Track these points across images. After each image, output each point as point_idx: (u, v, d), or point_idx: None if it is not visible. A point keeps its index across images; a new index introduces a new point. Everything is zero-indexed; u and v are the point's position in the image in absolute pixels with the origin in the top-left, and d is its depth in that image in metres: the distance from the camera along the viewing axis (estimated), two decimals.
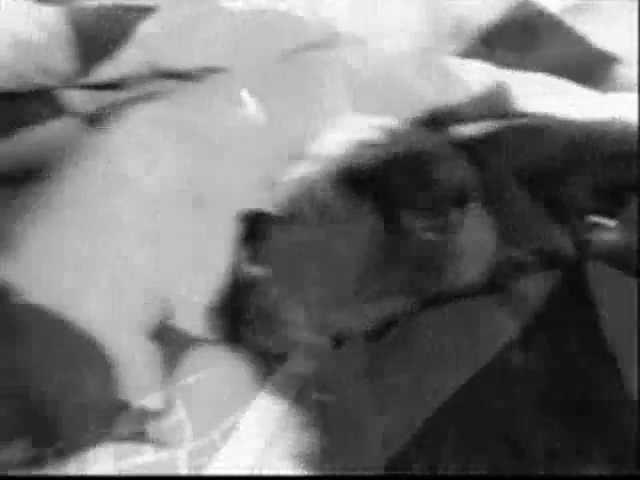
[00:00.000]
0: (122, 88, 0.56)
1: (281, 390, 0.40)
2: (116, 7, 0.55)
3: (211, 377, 0.39)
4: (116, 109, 0.50)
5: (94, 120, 0.53)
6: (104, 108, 0.52)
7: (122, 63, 0.54)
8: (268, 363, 0.41)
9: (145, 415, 0.35)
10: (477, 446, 0.38)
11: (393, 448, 0.38)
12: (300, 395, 0.40)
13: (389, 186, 0.42)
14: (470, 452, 0.38)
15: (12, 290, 0.33)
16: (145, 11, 0.54)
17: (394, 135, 0.46)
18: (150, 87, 0.56)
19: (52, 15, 0.54)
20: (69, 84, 0.54)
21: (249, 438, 0.39)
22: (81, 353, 0.33)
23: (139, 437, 0.34)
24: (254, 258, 0.42)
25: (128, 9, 0.55)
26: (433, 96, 0.46)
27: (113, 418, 0.33)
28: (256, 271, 0.42)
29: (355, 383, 0.39)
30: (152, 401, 0.35)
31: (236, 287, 0.41)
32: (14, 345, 0.33)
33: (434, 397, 0.39)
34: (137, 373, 0.35)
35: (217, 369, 0.40)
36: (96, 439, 0.32)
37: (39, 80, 0.53)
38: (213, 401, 0.39)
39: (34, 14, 0.54)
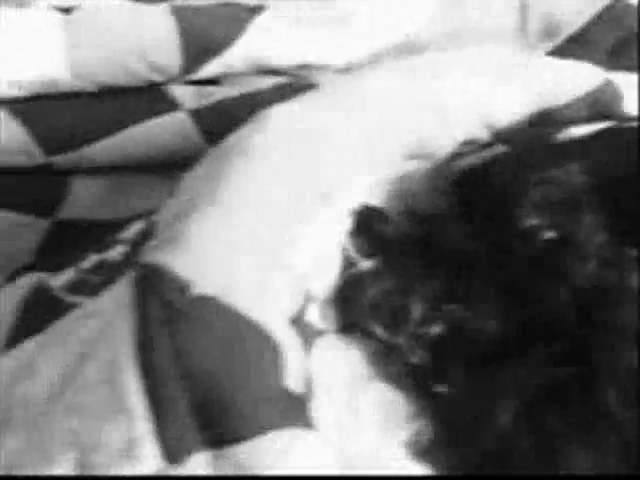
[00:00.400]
0: (220, 83, 0.58)
1: (396, 380, 0.41)
2: (224, 5, 0.57)
3: (328, 366, 0.40)
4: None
5: (200, 113, 0.55)
6: (216, 104, 0.54)
7: (230, 61, 0.56)
8: (383, 353, 0.42)
9: (302, 401, 0.36)
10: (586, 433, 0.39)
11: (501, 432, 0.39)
12: (415, 385, 0.41)
13: (501, 184, 0.43)
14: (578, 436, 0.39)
15: (187, 283, 0.35)
16: (255, 10, 0.56)
17: (501, 134, 0.47)
18: (252, 83, 0.58)
19: (160, 12, 0.56)
20: (175, 80, 0.56)
21: (363, 425, 0.40)
22: (250, 340, 0.35)
23: (302, 423, 0.35)
24: (363, 251, 0.43)
25: (237, 8, 0.56)
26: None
27: (282, 405, 0.35)
28: (366, 264, 0.43)
29: (469, 374, 0.40)
30: (299, 387, 0.36)
31: (349, 280, 0.42)
32: (192, 336, 0.34)
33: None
34: (293, 360, 0.36)
35: (333, 359, 0.41)
36: (269, 426, 0.34)
37: (147, 76, 0.55)
38: (328, 390, 0.40)
39: (142, 11, 0.56)
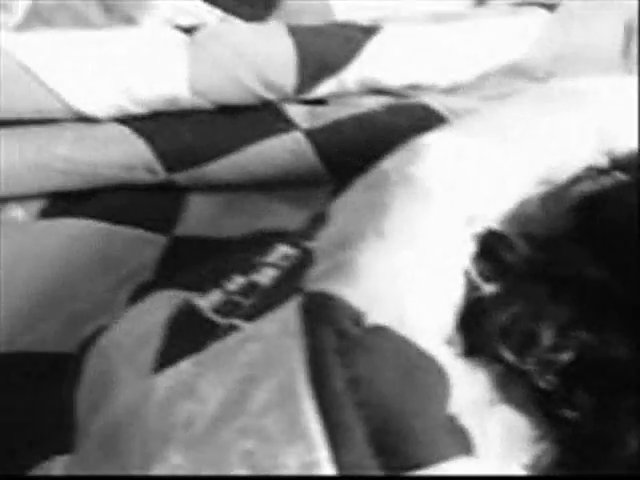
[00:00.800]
0: (326, 102, 0.59)
1: (521, 404, 0.42)
2: (340, 25, 0.58)
3: (455, 390, 0.41)
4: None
5: (315, 134, 0.56)
6: (331, 125, 0.55)
7: (344, 81, 0.57)
8: (508, 377, 0.42)
9: (464, 429, 0.37)
10: None
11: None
12: (540, 409, 0.42)
13: (625, 213, 0.44)
14: None
15: (361, 313, 0.36)
16: (370, 31, 0.57)
17: (621, 162, 0.48)
18: (357, 102, 0.59)
19: (277, 31, 0.57)
20: (288, 98, 0.57)
21: (489, 449, 0.40)
22: (423, 370, 0.36)
23: (469, 451, 0.36)
24: (485, 275, 0.43)
25: (353, 28, 0.57)
26: None
27: (452, 433, 0.36)
28: (489, 288, 0.43)
29: (597, 400, 0.41)
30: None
31: (472, 303, 0.43)
32: (369, 366, 0.35)
33: None
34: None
35: (460, 382, 0.41)
36: (446, 454, 0.35)
37: (262, 94, 0.56)
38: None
39: (261, 31, 0.57)
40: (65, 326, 0.50)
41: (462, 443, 0.35)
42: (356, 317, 0.35)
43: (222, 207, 0.56)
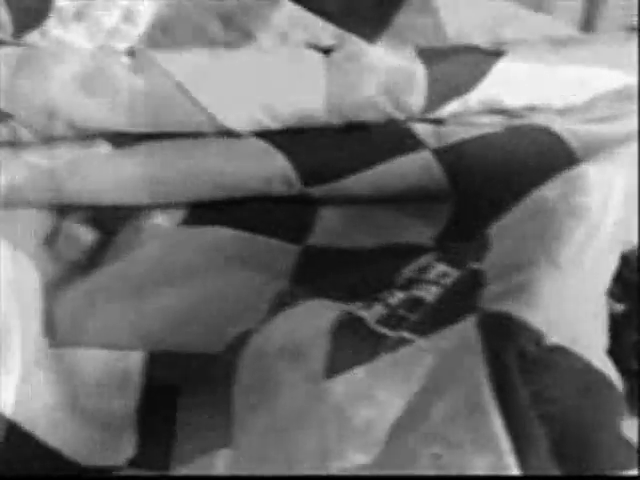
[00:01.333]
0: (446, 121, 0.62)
1: None
2: (465, 49, 0.60)
3: None
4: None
5: (443, 153, 0.58)
6: (457, 144, 0.58)
7: (468, 103, 0.59)
8: (637, 389, 0.45)
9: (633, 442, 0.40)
10: None
11: None
12: None
13: None
14: None
15: (541, 333, 0.39)
16: (495, 54, 0.59)
17: None
18: (478, 121, 0.61)
19: (408, 55, 0.60)
20: (413, 117, 0.60)
21: None
22: (600, 386, 0.39)
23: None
24: (614, 295, 0.46)
25: (478, 52, 0.60)
26: None
27: (627, 446, 0.38)
28: (617, 307, 0.46)
29: None
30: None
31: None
32: (550, 383, 0.38)
33: None
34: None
35: None
36: (624, 465, 0.37)
37: (391, 112, 0.59)
38: None
39: (392, 53, 0.60)
40: (209, 328, 0.53)
41: (635, 455, 0.38)
42: (536, 337, 0.38)
43: (352, 220, 0.58)
